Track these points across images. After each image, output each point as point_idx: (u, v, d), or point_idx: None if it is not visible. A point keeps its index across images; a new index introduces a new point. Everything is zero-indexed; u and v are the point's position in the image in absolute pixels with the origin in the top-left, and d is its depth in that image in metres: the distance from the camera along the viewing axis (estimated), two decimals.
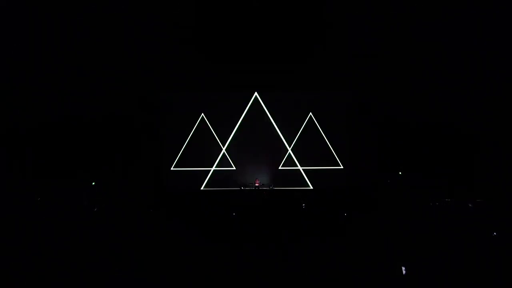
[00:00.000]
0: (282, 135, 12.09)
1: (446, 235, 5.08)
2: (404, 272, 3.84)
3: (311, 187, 11.68)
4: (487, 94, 10.58)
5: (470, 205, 7.85)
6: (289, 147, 12.06)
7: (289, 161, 12.05)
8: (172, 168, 11.98)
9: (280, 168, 12.04)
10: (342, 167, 11.85)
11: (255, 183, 11.69)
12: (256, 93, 12.21)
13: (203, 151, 11.99)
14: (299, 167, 12.03)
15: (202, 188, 11.63)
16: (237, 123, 12.12)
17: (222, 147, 12.04)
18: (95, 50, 10.56)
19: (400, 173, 11.36)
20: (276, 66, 11.56)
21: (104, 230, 5.73)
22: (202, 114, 12.13)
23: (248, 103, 12.22)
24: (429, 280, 3.81)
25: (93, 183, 10.94)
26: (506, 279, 3.73)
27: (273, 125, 12.12)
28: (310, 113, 12.14)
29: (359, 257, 4.33)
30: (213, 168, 11.98)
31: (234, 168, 12.00)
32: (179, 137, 12.07)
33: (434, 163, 11.04)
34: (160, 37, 10.54)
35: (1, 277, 3.95)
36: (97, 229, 5.86)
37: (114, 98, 11.40)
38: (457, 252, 4.30)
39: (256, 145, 12.04)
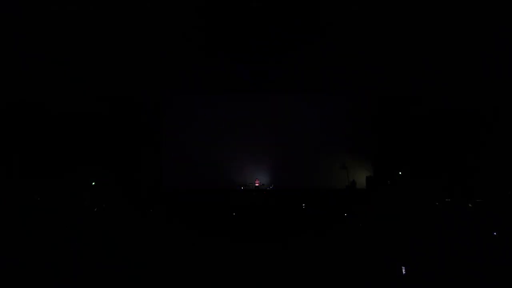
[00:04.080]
0: (282, 136, 12.06)
1: (446, 235, 5.08)
2: (404, 272, 3.84)
3: (312, 187, 11.63)
4: (486, 93, 10.57)
5: (470, 205, 7.85)
6: (289, 147, 12.04)
7: (289, 161, 12.03)
8: (170, 168, 11.95)
9: (280, 168, 12.02)
10: (342, 167, 11.82)
11: (255, 183, 11.67)
12: (255, 94, 12.20)
13: (203, 150, 11.96)
14: (299, 167, 12.01)
15: (201, 188, 11.59)
16: (237, 123, 12.10)
17: (221, 146, 12.01)
18: (93, 47, 10.53)
19: (400, 173, 11.35)
20: (275, 67, 11.55)
21: (103, 230, 5.73)
22: (203, 114, 12.11)
23: (248, 104, 12.21)
24: (429, 280, 3.81)
25: (93, 183, 10.93)
26: (506, 279, 3.73)
27: (272, 125, 12.09)
28: (310, 114, 12.12)
29: (359, 257, 4.33)
30: (213, 167, 11.94)
31: (234, 167, 11.97)
32: (177, 137, 12.04)
33: (434, 163, 11.03)
34: (160, 37, 10.52)
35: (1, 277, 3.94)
36: (95, 228, 5.86)
37: (113, 97, 11.38)
38: (457, 252, 4.29)
39: (256, 145, 12.01)
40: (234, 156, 11.98)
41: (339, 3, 9.72)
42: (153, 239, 5.22)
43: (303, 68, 11.58)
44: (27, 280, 3.92)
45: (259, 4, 9.69)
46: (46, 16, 9.54)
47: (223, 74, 11.67)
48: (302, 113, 12.15)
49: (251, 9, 9.80)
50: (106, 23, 9.93)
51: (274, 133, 12.07)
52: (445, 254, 4.28)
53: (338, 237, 5.34)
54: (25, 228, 5.72)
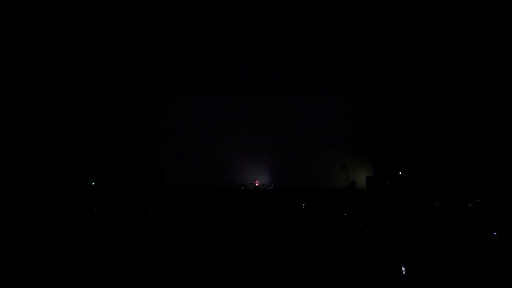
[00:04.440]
0: (282, 136, 12.06)
1: (446, 235, 5.08)
2: (404, 272, 3.84)
3: (312, 187, 11.63)
4: (486, 93, 10.57)
5: (470, 205, 7.85)
6: (289, 147, 12.04)
7: (289, 161, 12.03)
8: (170, 168, 11.95)
9: (280, 168, 12.01)
10: (342, 167, 11.82)
11: (255, 183, 11.67)
12: (255, 94, 12.20)
13: (203, 150, 11.96)
14: (299, 168, 12.00)
15: (201, 188, 11.60)
16: (237, 123, 12.10)
17: (221, 146, 12.01)
18: (93, 47, 10.52)
19: (400, 173, 11.35)
20: (275, 67, 11.55)
21: (103, 230, 5.73)
22: (202, 114, 12.11)
23: (248, 104, 12.21)
24: (429, 280, 3.81)
25: (93, 183, 10.93)
26: (506, 279, 3.73)
27: (272, 125, 12.09)
28: (310, 114, 12.12)
29: (359, 257, 4.33)
30: (213, 167, 11.93)
31: (234, 167, 11.96)
32: (177, 137, 12.05)
33: (434, 163, 11.03)
34: (160, 37, 10.51)
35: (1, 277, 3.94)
36: (95, 228, 5.86)
37: (113, 97, 11.39)
38: (457, 252, 4.29)
39: (256, 145, 12.01)
40: (234, 156, 11.98)
41: (339, 3, 9.71)
42: (153, 239, 5.22)
43: (303, 68, 11.58)
44: (27, 280, 3.92)
45: (259, 4, 9.69)
46: (46, 16, 9.53)
47: (223, 74, 11.67)
48: (302, 113, 12.15)
49: (251, 9, 9.79)
50: (106, 23, 9.92)
51: (274, 133, 12.07)
52: (445, 254, 4.28)
53: (338, 237, 5.34)
54: (25, 228, 5.72)
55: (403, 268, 3.84)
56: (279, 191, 11.55)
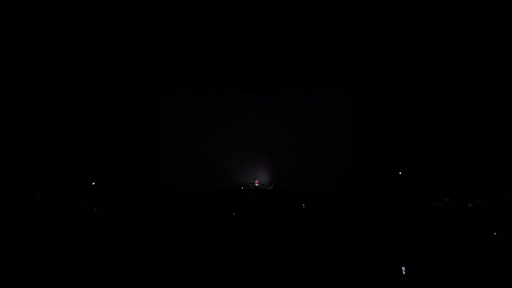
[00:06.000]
0: (281, 136, 12.07)
1: (446, 235, 5.08)
2: (404, 272, 3.84)
3: (312, 187, 11.63)
4: (486, 93, 10.58)
5: (470, 205, 7.85)
6: (289, 147, 12.05)
7: (289, 161, 12.03)
8: (170, 168, 11.95)
9: (280, 168, 12.02)
10: (341, 167, 11.83)
11: (254, 183, 11.67)
12: (255, 93, 12.20)
13: (203, 150, 11.97)
14: (299, 168, 12.01)
15: (201, 188, 11.60)
16: (237, 123, 12.11)
17: (221, 146, 12.02)
18: (93, 47, 10.52)
19: (400, 173, 11.36)
20: (276, 66, 11.56)
21: (103, 230, 5.73)
22: (202, 114, 12.11)
23: (247, 103, 12.22)
24: (429, 280, 3.81)
25: (93, 183, 10.93)
26: (506, 279, 3.73)
27: (272, 125, 12.10)
28: (309, 113, 12.13)
29: (359, 257, 4.33)
30: (213, 167, 11.94)
31: (234, 167, 11.96)
32: (177, 137, 12.05)
33: (434, 163, 11.03)
34: (160, 37, 10.52)
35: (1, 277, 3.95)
36: (95, 229, 5.86)
37: (113, 97, 11.39)
38: (457, 252, 4.29)
39: (256, 145, 12.02)
40: (234, 156, 11.99)
41: (339, 3, 9.71)
42: (153, 239, 5.22)
43: (303, 68, 11.58)
44: (27, 280, 3.92)
45: (259, 4, 9.68)
46: (46, 16, 9.53)
47: (223, 74, 11.67)
48: (302, 113, 12.15)
49: (251, 9, 9.79)
50: (106, 23, 9.92)
51: (274, 133, 12.08)
52: (445, 254, 4.28)
53: (338, 237, 5.34)
54: (25, 228, 5.72)
55: (403, 268, 3.84)
56: (279, 191, 11.55)
